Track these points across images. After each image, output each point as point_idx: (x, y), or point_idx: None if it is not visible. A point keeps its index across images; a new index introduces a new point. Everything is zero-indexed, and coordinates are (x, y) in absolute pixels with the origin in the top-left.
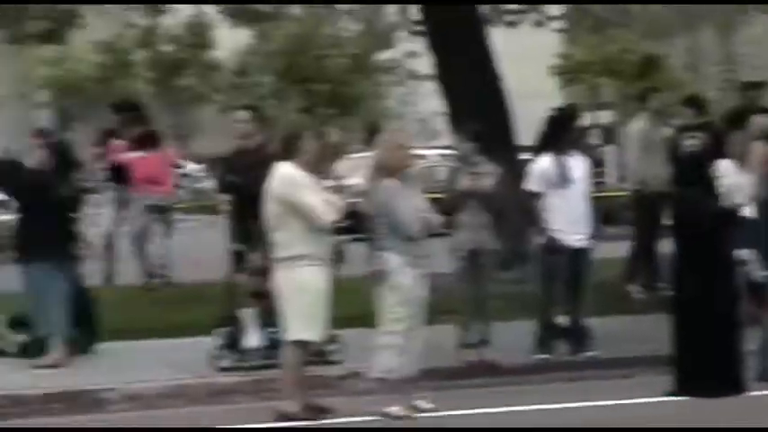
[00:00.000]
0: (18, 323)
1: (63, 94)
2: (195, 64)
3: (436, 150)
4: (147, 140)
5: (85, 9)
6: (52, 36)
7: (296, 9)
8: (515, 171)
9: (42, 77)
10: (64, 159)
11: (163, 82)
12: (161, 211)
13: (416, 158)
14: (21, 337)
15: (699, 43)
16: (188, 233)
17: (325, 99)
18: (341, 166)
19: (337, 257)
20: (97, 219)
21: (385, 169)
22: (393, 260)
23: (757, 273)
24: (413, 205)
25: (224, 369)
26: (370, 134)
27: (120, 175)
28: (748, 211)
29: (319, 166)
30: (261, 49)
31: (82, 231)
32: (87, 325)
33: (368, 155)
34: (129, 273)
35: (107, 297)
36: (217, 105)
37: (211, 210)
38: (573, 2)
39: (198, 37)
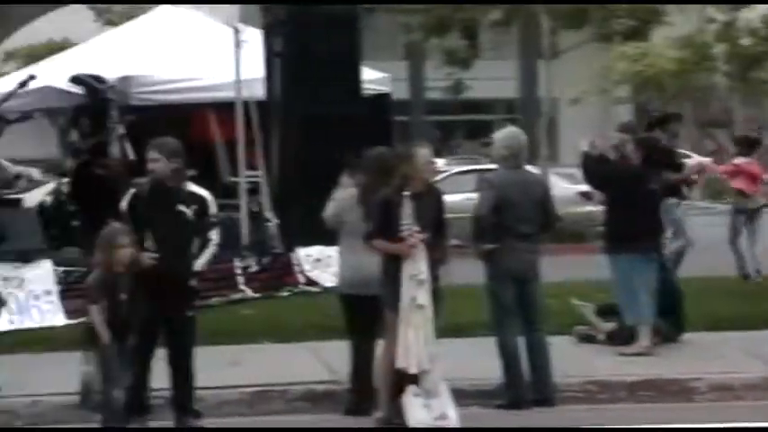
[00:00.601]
0: (607, 311)
1: (641, 89)
2: None
3: None
4: (753, 144)
5: (667, 6)
6: (636, 33)
7: None
8: None
9: (621, 73)
10: (650, 154)
11: (740, 75)
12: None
13: None
14: (609, 325)
15: None
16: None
17: None
18: None
19: None
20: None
21: None
22: None
23: None
24: None
25: None
26: None
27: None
28: None
29: None
30: None
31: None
32: (674, 315)
33: None
34: (713, 265)
35: (692, 288)
36: None
37: None
38: None
39: None
